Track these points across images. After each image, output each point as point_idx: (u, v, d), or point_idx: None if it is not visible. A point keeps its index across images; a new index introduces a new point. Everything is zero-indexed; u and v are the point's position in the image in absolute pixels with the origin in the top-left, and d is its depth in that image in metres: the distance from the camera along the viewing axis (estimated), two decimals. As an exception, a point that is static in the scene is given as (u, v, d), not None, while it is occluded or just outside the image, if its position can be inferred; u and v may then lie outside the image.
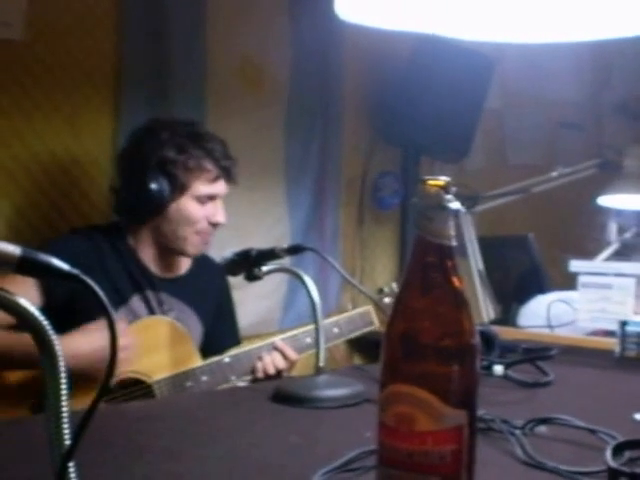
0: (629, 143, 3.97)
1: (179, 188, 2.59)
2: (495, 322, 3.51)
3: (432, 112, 3.93)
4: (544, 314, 3.21)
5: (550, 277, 3.70)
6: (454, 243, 1.01)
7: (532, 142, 4.93)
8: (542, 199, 4.09)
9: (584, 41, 1.81)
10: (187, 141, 2.60)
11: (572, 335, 3.02)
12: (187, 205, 2.61)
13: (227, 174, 2.66)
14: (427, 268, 1.01)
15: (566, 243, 3.94)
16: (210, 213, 2.64)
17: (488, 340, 2.39)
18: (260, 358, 2.58)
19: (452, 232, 1.01)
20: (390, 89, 4.07)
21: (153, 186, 2.56)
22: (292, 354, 2.60)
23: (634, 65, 5.05)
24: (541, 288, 3.54)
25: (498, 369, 2.22)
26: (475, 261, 3.80)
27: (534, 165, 4.63)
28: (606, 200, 3.78)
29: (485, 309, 3.72)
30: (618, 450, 1.39)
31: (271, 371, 2.57)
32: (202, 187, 2.61)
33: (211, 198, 2.64)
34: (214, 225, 2.66)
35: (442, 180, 1.01)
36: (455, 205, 0.99)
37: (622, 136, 4.89)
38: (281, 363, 2.58)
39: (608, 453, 1.34)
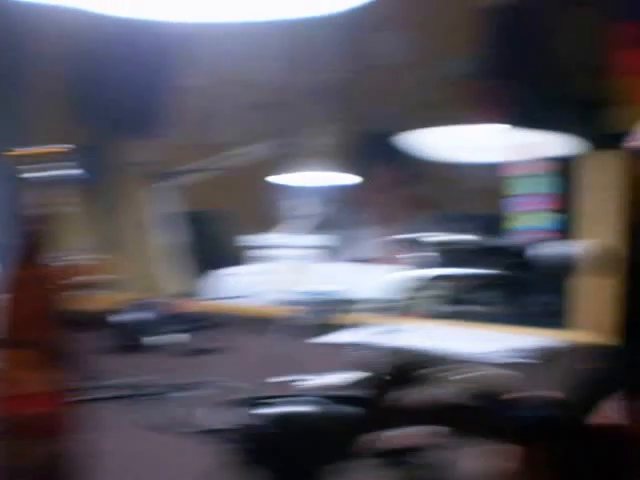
0: (311, 124, 4.10)
1: None
2: (183, 295, 3.55)
3: (124, 91, 3.92)
4: (227, 286, 3.30)
5: (236, 252, 3.79)
6: (38, 213, 1.01)
7: (227, 121, 5.01)
8: (232, 177, 4.17)
9: (275, 21, 1.85)
10: None
11: (250, 305, 3.11)
12: None
13: None
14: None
15: (251, 219, 4.04)
16: None
17: (162, 315, 2.46)
18: None
19: (40, 202, 1.01)
20: (83, 70, 4.03)
21: None
22: None
23: (323, 47, 5.20)
24: (227, 262, 3.62)
25: (168, 338, 2.26)
26: (167, 235, 3.83)
27: (228, 143, 4.70)
28: (283, 178, 3.92)
29: (175, 282, 3.77)
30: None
31: None
32: None
33: None
34: None
35: (31, 150, 1.01)
36: (40, 175, 0.99)
37: (307, 117, 5.04)
38: None
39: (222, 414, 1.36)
